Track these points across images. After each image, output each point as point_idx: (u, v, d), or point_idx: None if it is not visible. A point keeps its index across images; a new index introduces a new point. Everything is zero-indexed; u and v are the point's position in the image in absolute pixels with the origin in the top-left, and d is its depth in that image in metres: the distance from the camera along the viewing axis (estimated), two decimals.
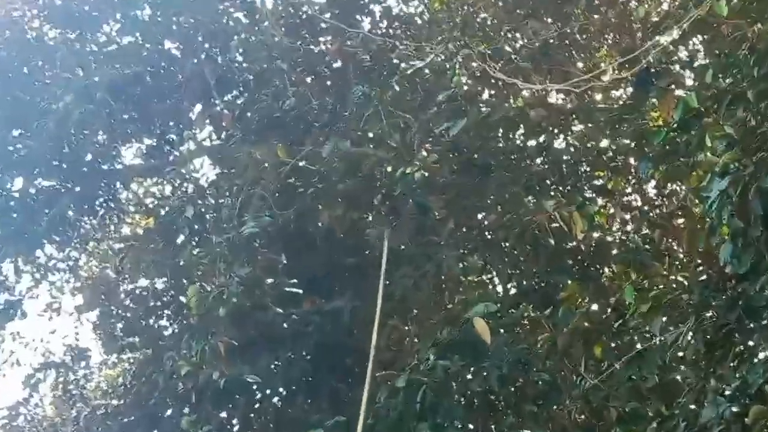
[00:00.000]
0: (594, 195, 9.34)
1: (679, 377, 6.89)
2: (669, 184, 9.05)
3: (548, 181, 9.23)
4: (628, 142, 8.82)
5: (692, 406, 6.40)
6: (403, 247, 9.28)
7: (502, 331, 8.08)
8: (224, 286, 8.40)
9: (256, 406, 9.65)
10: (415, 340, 9.06)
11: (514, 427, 7.55)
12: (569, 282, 7.64)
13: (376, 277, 8.19)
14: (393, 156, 8.49)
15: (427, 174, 8.16)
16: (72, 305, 11.99)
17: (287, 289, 8.94)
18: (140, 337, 10.61)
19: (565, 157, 9.46)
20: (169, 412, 9.44)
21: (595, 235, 8.94)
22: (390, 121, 8.59)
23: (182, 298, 9.93)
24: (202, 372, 8.48)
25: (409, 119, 8.72)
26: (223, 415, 9.27)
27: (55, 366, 11.60)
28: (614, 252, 8.86)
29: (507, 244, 9.08)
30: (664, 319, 6.62)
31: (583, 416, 7.67)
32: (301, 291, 9.22)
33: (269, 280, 8.79)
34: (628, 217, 9.61)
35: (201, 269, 9.28)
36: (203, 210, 9.61)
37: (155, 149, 10.70)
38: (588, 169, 9.58)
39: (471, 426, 7.97)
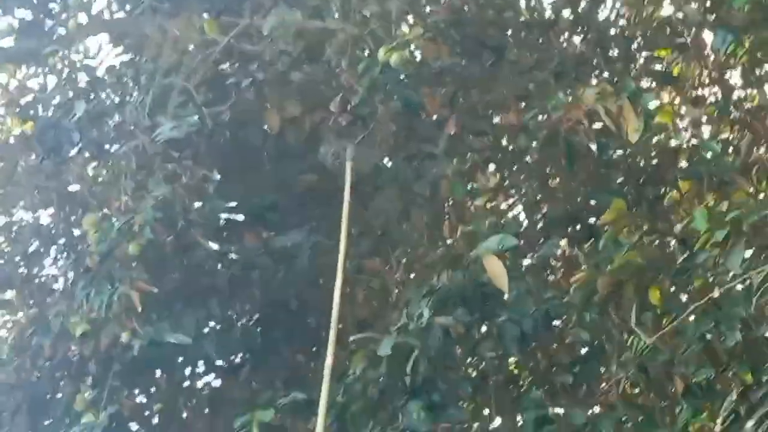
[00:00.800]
0: (653, 84, 9.34)
1: None
2: (758, 68, 9.03)
3: (588, 66, 9.20)
4: (697, 6, 8.76)
5: None
6: (387, 161, 9.26)
7: (524, 275, 8.13)
8: (134, 214, 8.38)
9: (185, 384, 9.74)
10: (403, 289, 9.12)
11: (540, 405, 7.59)
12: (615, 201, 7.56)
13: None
14: (368, 32, 8.41)
15: (415, 57, 8.06)
16: None
17: (223, 216, 8.93)
18: (18, 291, 10.62)
19: (612, 31, 9.43)
20: (58, 392, 9.49)
21: (655, 139, 8.94)
22: None
23: (77, 233, 9.97)
24: (105, 333, 8.51)
25: None
26: (137, 393, 9.35)
27: None
28: (682, 163, 8.87)
29: (530, 155, 9.08)
30: (749, 252, 6.62)
31: (636, 390, 7.77)
32: (241, 218, 9.23)
33: (196, 204, 8.78)
34: (701, 115, 9.62)
35: (100, 192, 9.24)
36: (101, 109, 9.53)
37: (30, 25, 10.56)
38: (645, 47, 9.54)
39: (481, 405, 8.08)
